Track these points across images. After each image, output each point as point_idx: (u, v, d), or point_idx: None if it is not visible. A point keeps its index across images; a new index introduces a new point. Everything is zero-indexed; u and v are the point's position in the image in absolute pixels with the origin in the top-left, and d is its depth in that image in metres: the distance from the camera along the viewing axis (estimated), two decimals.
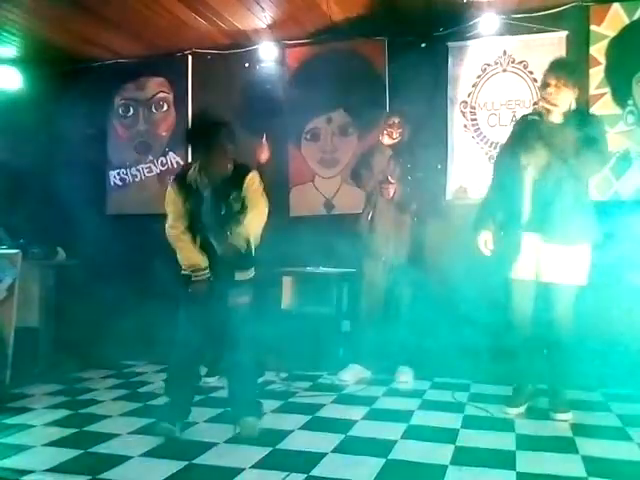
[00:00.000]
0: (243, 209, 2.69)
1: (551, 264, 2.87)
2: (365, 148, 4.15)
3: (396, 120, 3.67)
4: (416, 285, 3.69)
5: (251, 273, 2.78)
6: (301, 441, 2.66)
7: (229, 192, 2.67)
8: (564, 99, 2.81)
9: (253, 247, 2.73)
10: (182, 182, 2.71)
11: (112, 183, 5.15)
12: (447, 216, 4.12)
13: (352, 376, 3.71)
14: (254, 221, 2.70)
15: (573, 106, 2.88)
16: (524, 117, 3.02)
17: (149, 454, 2.53)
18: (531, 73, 4.12)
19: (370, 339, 3.72)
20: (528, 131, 2.87)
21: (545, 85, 2.84)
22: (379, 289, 3.72)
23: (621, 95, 3.96)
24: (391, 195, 3.67)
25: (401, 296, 3.70)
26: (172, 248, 2.73)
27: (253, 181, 2.73)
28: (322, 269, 4.29)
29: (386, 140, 3.66)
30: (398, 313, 3.71)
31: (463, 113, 4.32)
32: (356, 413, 3.06)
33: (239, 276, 2.73)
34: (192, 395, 2.87)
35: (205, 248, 2.70)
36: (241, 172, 2.74)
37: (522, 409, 3.01)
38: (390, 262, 3.69)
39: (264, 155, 3.88)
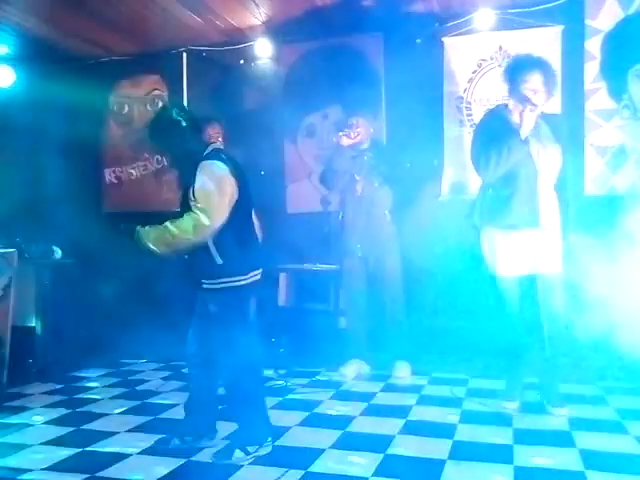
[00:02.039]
0: None
1: (534, 255, 2.89)
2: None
3: (354, 121, 3.72)
4: (399, 278, 3.71)
5: (218, 282, 2.45)
6: (300, 437, 2.67)
7: (185, 186, 2.46)
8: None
9: (216, 253, 2.41)
10: None
11: (108, 181, 5.13)
12: (443, 211, 4.13)
13: (352, 371, 3.72)
14: (181, 225, 2.35)
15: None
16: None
17: (147, 452, 2.53)
18: None
19: (363, 334, 3.75)
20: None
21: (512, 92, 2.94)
22: (360, 285, 3.75)
23: (616, 89, 3.96)
24: (359, 192, 3.70)
25: (384, 290, 3.72)
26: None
27: (201, 172, 2.38)
28: (319, 266, 4.29)
29: (344, 141, 3.69)
30: (386, 308, 3.73)
31: (459, 108, 4.31)
32: (354, 409, 3.06)
33: (206, 284, 2.48)
34: (207, 410, 2.62)
35: None
36: (195, 164, 2.43)
37: (518, 402, 3.02)
38: (366, 257, 3.72)
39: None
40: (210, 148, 2.53)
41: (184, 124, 2.45)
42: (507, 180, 2.89)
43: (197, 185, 2.38)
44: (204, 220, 2.34)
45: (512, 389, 3.06)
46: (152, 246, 2.37)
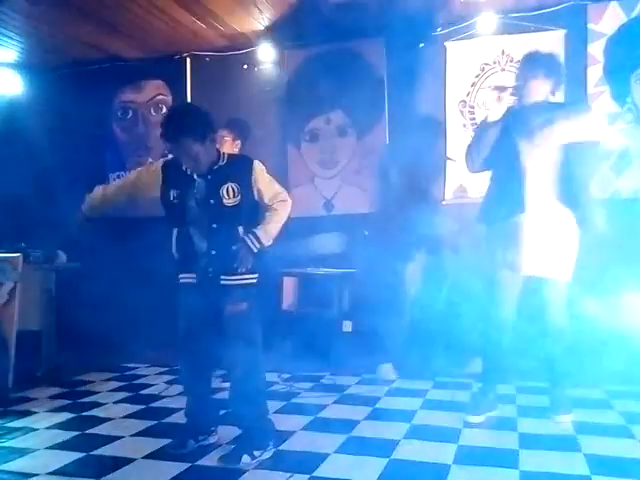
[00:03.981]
0: (245, 203, 2.45)
1: (540, 257, 2.78)
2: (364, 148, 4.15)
3: None
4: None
5: (249, 278, 2.49)
6: (304, 442, 2.67)
7: (223, 182, 2.43)
8: (536, 91, 2.79)
9: (254, 248, 2.44)
10: (175, 164, 2.50)
11: None
12: (447, 215, 4.13)
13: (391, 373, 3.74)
14: (275, 217, 2.50)
15: (551, 97, 2.84)
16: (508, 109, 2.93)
17: (152, 456, 2.53)
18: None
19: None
20: (510, 122, 2.85)
21: (516, 79, 2.89)
22: (416, 288, 3.77)
23: (620, 93, 3.96)
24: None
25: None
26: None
27: (262, 170, 2.50)
28: (323, 270, 4.30)
29: None
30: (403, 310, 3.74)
31: (462, 112, 4.32)
32: (359, 413, 3.06)
33: (227, 280, 2.45)
34: (205, 410, 2.63)
35: (184, 242, 2.48)
36: (242, 162, 2.51)
37: (484, 417, 2.89)
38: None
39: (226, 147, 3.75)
40: (226, 155, 2.54)
41: (211, 126, 2.45)
42: (495, 174, 2.90)
43: (264, 177, 2.51)
44: (287, 196, 2.57)
45: (481, 402, 2.94)
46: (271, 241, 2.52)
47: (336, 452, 2.53)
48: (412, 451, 2.51)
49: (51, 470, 2.39)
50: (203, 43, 4.68)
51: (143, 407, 3.28)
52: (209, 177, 2.45)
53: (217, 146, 2.58)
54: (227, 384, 3.50)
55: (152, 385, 3.77)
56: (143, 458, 2.51)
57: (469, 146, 2.97)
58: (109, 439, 2.74)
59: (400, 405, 3.19)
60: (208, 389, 2.67)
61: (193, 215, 2.46)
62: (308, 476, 2.28)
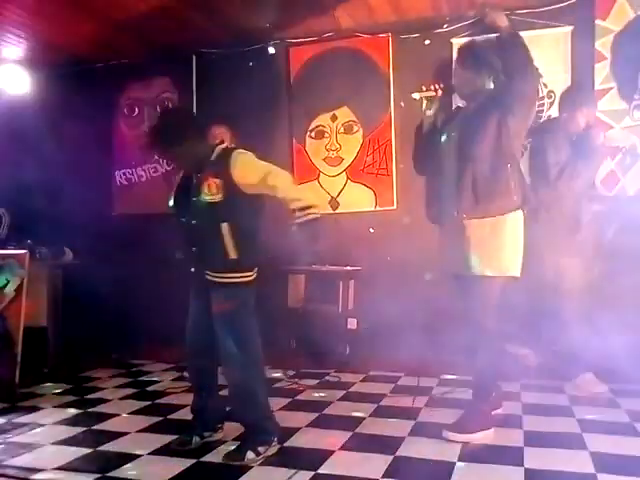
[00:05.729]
0: (231, 198, 2.40)
1: (460, 257, 2.66)
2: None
3: None
4: None
5: (236, 277, 2.46)
6: (309, 438, 2.67)
7: (206, 177, 2.42)
8: (465, 82, 2.77)
9: (234, 247, 2.42)
10: None
11: (118, 183, 5.17)
12: None
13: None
14: (281, 192, 2.37)
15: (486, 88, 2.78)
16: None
17: (158, 452, 2.54)
18: (536, 69, 4.08)
19: None
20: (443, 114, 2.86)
21: (453, 72, 2.86)
22: None
23: (627, 90, 3.93)
24: None
25: None
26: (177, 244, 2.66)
27: (236, 162, 2.40)
28: (328, 267, 4.30)
29: None
30: None
31: None
32: (364, 410, 3.06)
33: (212, 277, 2.47)
34: (211, 407, 2.65)
35: (182, 237, 2.56)
36: (225, 155, 2.45)
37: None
38: None
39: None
40: (218, 150, 2.51)
41: (187, 128, 2.45)
42: (434, 173, 2.84)
43: (244, 164, 2.41)
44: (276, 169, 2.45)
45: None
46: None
47: (341, 449, 2.53)
48: (417, 448, 2.52)
49: (57, 465, 2.41)
50: (209, 40, 4.68)
51: (149, 403, 3.30)
52: (198, 175, 2.49)
53: (216, 141, 2.60)
54: None
55: (158, 382, 3.79)
56: (149, 454, 2.52)
57: (415, 149, 2.93)
58: (115, 435, 2.76)
59: (405, 402, 3.19)
60: (214, 385, 2.68)
61: (184, 211, 2.52)
62: (313, 472, 2.29)
